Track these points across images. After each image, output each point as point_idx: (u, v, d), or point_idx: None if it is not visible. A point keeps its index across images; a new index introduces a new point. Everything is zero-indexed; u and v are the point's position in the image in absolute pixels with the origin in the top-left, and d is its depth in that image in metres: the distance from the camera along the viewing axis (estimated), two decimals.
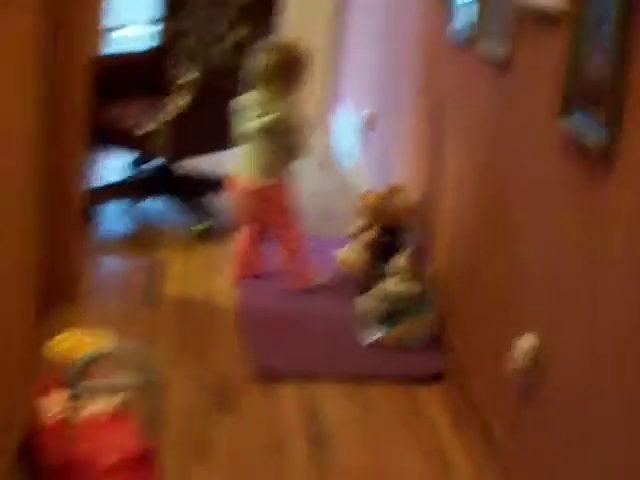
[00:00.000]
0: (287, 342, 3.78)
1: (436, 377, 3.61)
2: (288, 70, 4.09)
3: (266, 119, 4.06)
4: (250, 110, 4.11)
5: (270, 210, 4.24)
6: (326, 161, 6.49)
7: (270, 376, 3.53)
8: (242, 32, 5.10)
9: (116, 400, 2.71)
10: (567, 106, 2.54)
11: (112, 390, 2.63)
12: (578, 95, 2.49)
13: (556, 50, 2.65)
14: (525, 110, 2.99)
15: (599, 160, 2.35)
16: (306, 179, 5.95)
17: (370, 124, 5.69)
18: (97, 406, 2.71)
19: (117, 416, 2.69)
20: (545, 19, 2.77)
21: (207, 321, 3.95)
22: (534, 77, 2.91)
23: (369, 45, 5.95)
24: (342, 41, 6.93)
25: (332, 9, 6.97)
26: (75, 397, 2.41)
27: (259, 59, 4.11)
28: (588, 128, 2.39)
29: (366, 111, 5.75)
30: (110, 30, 5.30)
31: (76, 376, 2.40)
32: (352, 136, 6.19)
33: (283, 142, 4.09)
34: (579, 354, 2.47)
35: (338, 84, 7.02)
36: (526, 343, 2.73)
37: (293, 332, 3.86)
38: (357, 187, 5.69)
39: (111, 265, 4.46)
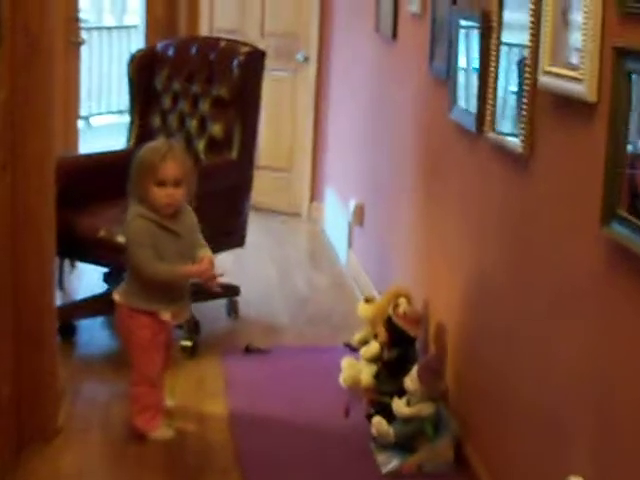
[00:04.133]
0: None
1: None
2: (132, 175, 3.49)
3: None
4: None
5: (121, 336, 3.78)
6: (317, 256, 6.11)
7: None
8: (216, 129, 4.73)
9: None
10: (611, 214, 2.18)
11: None
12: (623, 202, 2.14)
13: (590, 142, 2.31)
14: (552, 211, 2.62)
15: None
16: (296, 276, 5.58)
17: (359, 218, 5.31)
18: None
19: None
20: (574, 107, 2.42)
21: (200, 460, 3.51)
22: (561, 175, 2.55)
23: (355, 132, 5.61)
24: (325, 128, 6.60)
25: (312, 97, 6.66)
26: None
27: None
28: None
29: (354, 202, 5.38)
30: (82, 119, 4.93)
31: None
32: (342, 229, 5.80)
33: (128, 257, 3.54)
34: None
35: (323, 173, 6.66)
36: None
37: (302, 468, 3.43)
38: (353, 285, 5.31)
39: (92, 391, 4.04)
